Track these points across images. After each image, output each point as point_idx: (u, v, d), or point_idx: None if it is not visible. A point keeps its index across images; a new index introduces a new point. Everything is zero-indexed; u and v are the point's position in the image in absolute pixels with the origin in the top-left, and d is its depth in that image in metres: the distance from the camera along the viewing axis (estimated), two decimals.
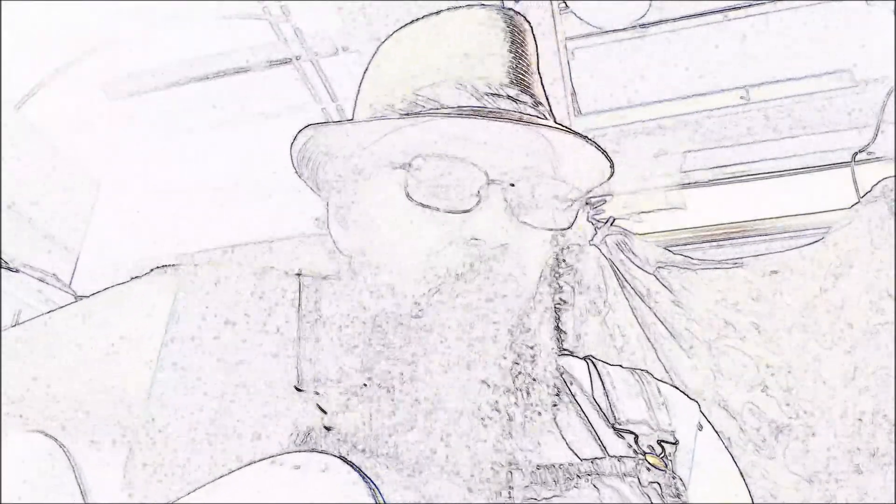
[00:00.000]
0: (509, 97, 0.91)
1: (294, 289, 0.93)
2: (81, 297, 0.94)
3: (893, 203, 1.53)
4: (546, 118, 0.93)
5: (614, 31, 1.68)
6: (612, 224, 1.69)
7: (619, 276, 1.66)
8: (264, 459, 0.73)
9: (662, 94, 1.78)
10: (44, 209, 1.90)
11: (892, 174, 1.57)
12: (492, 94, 0.90)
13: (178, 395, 0.82)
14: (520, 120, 0.87)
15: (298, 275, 0.95)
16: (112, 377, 0.84)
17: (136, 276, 0.92)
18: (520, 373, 0.85)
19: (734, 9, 1.63)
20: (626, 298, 1.65)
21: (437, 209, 0.86)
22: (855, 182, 1.67)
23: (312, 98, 1.84)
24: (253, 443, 0.80)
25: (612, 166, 0.93)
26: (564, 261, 0.93)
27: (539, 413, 0.86)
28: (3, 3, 1.59)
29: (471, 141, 0.87)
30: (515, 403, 0.84)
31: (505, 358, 0.84)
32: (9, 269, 1.76)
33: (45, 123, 1.87)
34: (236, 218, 1.97)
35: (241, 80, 1.82)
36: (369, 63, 1.00)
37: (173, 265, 0.92)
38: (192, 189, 1.98)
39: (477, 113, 0.87)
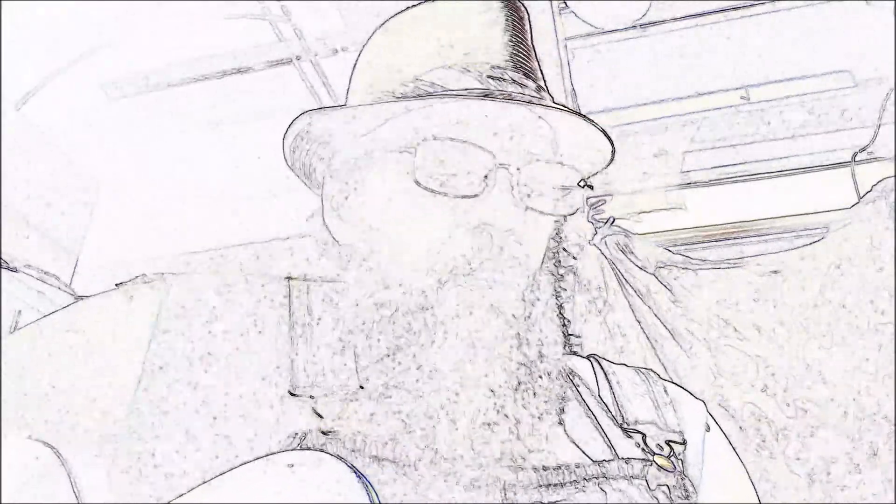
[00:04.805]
0: (513, 81, 0.89)
1: (284, 293, 0.90)
2: (81, 297, 0.93)
3: (893, 203, 1.54)
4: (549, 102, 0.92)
5: (614, 31, 1.68)
6: (612, 224, 1.69)
7: (619, 275, 1.66)
8: (258, 459, 0.72)
9: (662, 94, 1.78)
10: (44, 209, 1.90)
11: (892, 174, 1.57)
12: (496, 77, 0.88)
13: (163, 405, 0.80)
14: (530, 102, 0.85)
15: (288, 278, 0.92)
16: (96, 387, 0.82)
17: (120, 283, 0.90)
18: (524, 364, 0.83)
19: (734, 9, 1.63)
20: (626, 298, 1.65)
21: (446, 194, 0.84)
22: (855, 182, 1.67)
23: (312, 98, 1.84)
24: (244, 451, 0.77)
25: (613, 147, 0.91)
26: (561, 261, 0.92)
27: (547, 412, 0.84)
28: (3, 3, 1.59)
29: (477, 124, 0.85)
30: (523, 405, 0.82)
31: (511, 351, 0.82)
32: (9, 269, 1.76)
33: (45, 123, 1.87)
34: (236, 218, 1.97)
35: (241, 80, 1.82)
36: (360, 52, 0.98)
37: (158, 273, 0.90)
38: (192, 189, 1.98)
39: (486, 95, 0.85)
